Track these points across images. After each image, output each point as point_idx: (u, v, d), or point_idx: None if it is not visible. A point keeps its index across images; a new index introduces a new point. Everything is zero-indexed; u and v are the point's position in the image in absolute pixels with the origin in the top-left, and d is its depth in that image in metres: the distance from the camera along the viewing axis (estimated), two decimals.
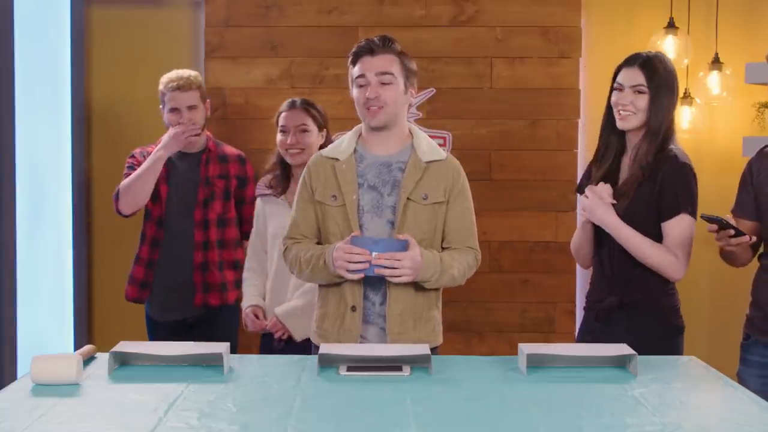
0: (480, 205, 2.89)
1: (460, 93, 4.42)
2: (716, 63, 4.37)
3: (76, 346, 4.13)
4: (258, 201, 3.61)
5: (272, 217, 3.49)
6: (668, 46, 4.30)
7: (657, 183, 2.86)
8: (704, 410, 2.13)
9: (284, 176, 3.52)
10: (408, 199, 2.73)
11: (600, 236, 2.95)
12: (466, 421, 1.98)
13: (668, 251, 2.85)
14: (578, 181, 3.25)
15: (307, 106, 3.50)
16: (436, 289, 2.82)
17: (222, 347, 2.41)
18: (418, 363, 2.39)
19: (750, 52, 4.41)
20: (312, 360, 2.45)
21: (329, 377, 2.32)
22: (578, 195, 3.03)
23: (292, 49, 4.42)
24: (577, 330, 3.19)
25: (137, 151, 3.73)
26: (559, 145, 4.42)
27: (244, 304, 3.56)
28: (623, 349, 2.43)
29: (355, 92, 2.79)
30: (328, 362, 2.39)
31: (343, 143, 2.83)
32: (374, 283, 2.74)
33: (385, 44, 2.77)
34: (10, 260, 3.68)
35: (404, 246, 2.64)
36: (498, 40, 4.42)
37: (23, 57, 3.79)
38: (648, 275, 2.88)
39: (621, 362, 2.41)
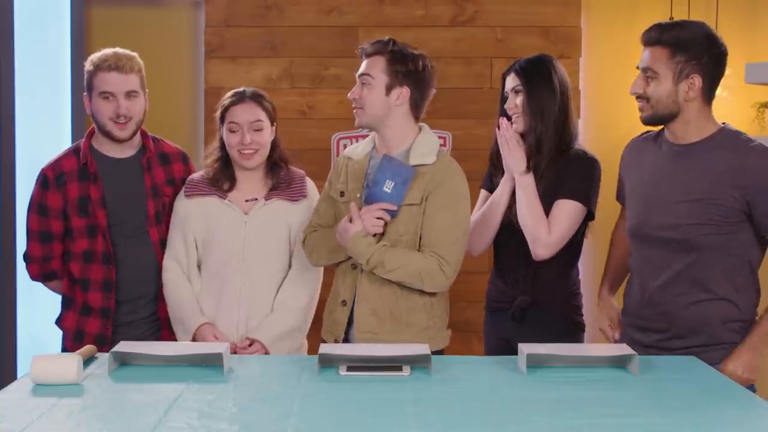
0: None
1: (460, 93, 4.42)
2: None
3: None
4: (184, 202, 3.01)
5: (215, 221, 2.99)
6: None
7: (555, 174, 2.88)
8: (704, 410, 2.12)
9: (229, 176, 3.02)
10: None
11: (503, 236, 2.98)
12: (466, 421, 1.98)
13: (547, 226, 2.85)
14: (480, 184, 3.23)
15: (259, 98, 2.99)
16: (423, 294, 2.74)
17: (222, 347, 2.41)
18: (418, 363, 2.39)
19: (750, 52, 4.41)
20: (312, 360, 2.45)
21: (329, 377, 2.32)
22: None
23: (292, 49, 4.42)
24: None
25: (48, 173, 2.97)
26: None
27: (192, 322, 2.93)
28: (623, 349, 2.43)
29: None
30: (328, 362, 2.39)
31: (363, 144, 2.89)
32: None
33: (378, 45, 2.76)
34: (10, 260, 3.68)
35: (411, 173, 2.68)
36: (498, 40, 4.43)
37: (23, 57, 3.78)
38: (556, 276, 2.95)
39: (621, 362, 2.40)
